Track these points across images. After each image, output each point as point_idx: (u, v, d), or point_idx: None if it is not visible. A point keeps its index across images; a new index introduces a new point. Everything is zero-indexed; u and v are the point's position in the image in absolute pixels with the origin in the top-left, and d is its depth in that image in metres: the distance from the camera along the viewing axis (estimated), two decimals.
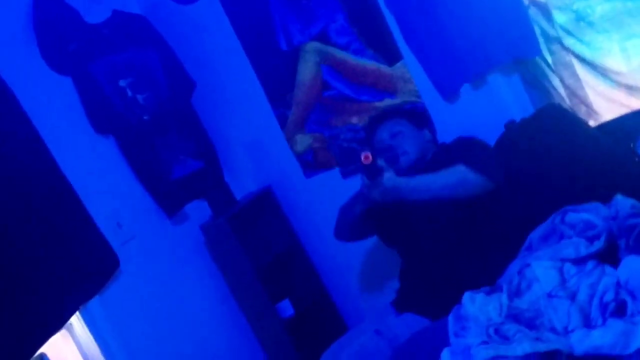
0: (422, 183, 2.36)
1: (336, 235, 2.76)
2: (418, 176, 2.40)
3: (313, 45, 3.14)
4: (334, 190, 3.25)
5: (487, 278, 2.11)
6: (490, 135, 2.67)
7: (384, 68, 3.02)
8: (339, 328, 3.38)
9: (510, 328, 1.61)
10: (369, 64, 3.04)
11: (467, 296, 1.85)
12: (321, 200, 3.40)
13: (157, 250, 3.14)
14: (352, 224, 2.63)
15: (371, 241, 2.89)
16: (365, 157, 2.26)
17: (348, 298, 3.51)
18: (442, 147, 2.74)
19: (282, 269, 3.45)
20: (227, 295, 3.36)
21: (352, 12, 3.02)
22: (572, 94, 2.75)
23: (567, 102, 2.78)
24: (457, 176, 2.35)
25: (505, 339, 1.58)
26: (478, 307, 1.78)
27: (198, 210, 3.38)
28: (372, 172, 2.31)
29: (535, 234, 2.16)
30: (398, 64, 2.99)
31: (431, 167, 2.50)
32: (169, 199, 3.26)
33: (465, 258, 2.42)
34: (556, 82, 2.78)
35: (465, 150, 2.53)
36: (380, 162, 2.41)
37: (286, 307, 3.29)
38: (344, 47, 3.07)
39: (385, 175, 2.31)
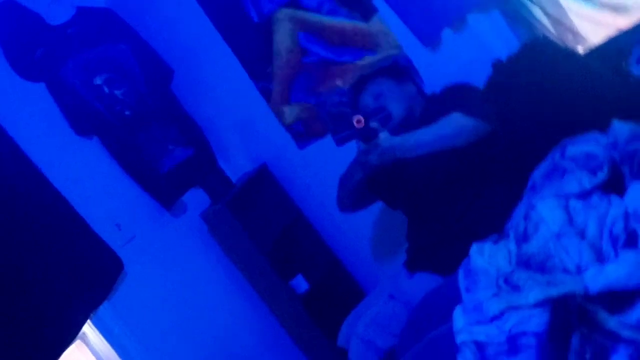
0: (419, 138, 2.36)
1: (340, 207, 2.75)
2: (414, 132, 2.39)
3: (285, 13, 3.11)
4: (329, 158, 3.27)
5: (495, 226, 2.08)
6: (479, 77, 2.63)
7: (361, 25, 2.99)
8: (357, 295, 3.37)
9: (521, 276, 1.57)
10: (345, 22, 3.01)
11: (474, 248, 1.79)
12: (318, 169, 3.40)
13: (161, 246, 3.15)
14: (353, 193, 2.63)
15: (377, 205, 2.89)
16: (358, 121, 2.28)
17: (361, 264, 3.52)
18: (431, 98, 2.71)
19: (290, 245, 3.45)
20: (239, 280, 3.36)
21: None
22: (556, 22, 2.69)
23: (552, 32, 2.73)
24: (453, 125, 2.34)
25: (516, 288, 1.54)
26: (487, 258, 1.73)
27: (196, 199, 3.38)
28: (367, 136, 2.31)
29: (537, 173, 2.10)
30: (374, 18, 2.96)
31: (424, 121, 2.48)
32: (165, 192, 3.27)
33: (470, 207, 2.41)
34: (538, 13, 2.73)
35: (456, 97, 2.51)
36: (373, 123, 2.40)
37: (300, 283, 3.30)
38: (317, 9, 3.04)
39: (380, 136, 2.30)
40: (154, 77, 3.41)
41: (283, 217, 3.47)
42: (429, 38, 2.86)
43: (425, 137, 2.35)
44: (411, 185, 2.53)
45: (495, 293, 1.55)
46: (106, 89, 3.21)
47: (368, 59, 3.01)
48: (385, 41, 2.97)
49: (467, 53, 2.85)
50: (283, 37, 3.15)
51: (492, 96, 2.54)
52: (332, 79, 3.15)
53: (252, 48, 3.26)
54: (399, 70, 2.82)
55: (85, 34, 3.24)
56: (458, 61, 2.87)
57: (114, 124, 3.19)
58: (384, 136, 2.31)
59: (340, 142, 3.25)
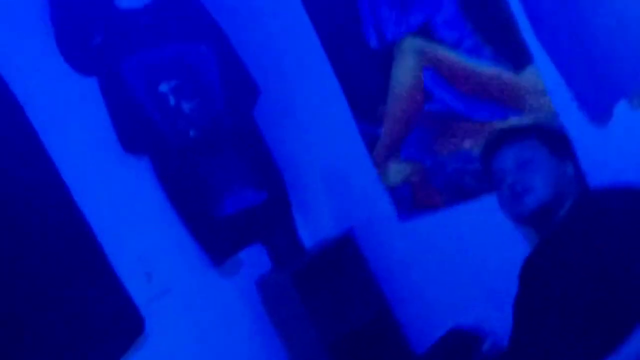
0: None
1: None
2: None
3: (412, 42, 3.01)
4: (438, 240, 3.20)
5: None
6: None
7: (508, 74, 2.83)
8: None
9: None
10: (488, 68, 2.87)
11: None
12: (420, 252, 3.32)
13: (198, 310, 3.12)
14: None
15: None
16: None
17: None
18: (592, 195, 2.51)
19: (363, 346, 3.36)
20: None
21: None
22: None
23: None
24: None
25: None
26: None
27: (254, 259, 3.36)
28: None
29: None
30: (527, 70, 2.79)
31: (571, 225, 2.34)
32: (218, 243, 3.23)
33: None
34: None
35: (623, 212, 2.29)
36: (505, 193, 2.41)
37: None
38: (454, 45, 2.91)
39: None
40: (235, 94, 3.38)
41: (362, 306, 3.39)
42: (598, 110, 2.69)
43: None
44: None
45: None
46: (172, 100, 3.18)
47: (512, 121, 2.87)
48: (537, 103, 2.79)
49: None
50: (405, 72, 3.07)
51: None
52: (459, 138, 3.05)
53: (363, 80, 3.21)
54: (561, 139, 2.66)
55: (162, 26, 3.23)
56: (631, 147, 2.67)
57: (172, 145, 3.15)
58: None
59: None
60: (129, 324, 2.79)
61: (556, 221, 2.42)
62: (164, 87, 3.17)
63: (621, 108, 2.66)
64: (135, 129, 3.06)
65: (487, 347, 2.89)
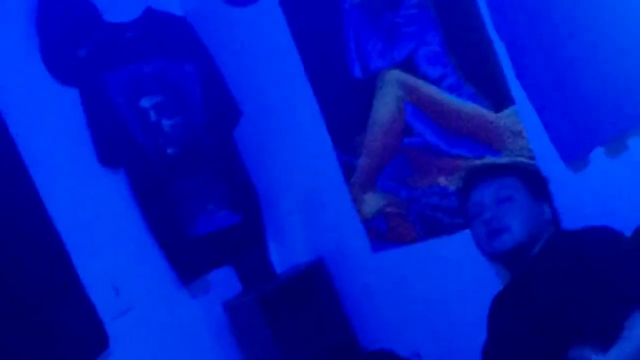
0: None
1: None
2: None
3: (395, 75, 3.00)
4: (410, 273, 3.18)
5: None
6: (628, 220, 2.45)
7: (488, 114, 2.84)
8: None
9: None
10: (468, 106, 2.87)
11: None
12: (391, 286, 3.29)
13: (163, 328, 3.08)
14: None
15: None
16: None
17: None
18: (564, 235, 2.53)
19: None
20: None
21: (450, 35, 2.82)
22: None
23: None
24: None
25: None
26: None
27: (223, 281, 3.32)
28: None
29: None
30: (507, 111, 2.80)
31: (541, 264, 2.37)
32: (188, 261, 3.20)
33: None
34: None
35: (598, 248, 2.31)
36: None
37: None
38: (436, 81, 2.92)
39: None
40: (217, 114, 3.37)
41: (328, 333, 3.36)
42: (574, 156, 2.70)
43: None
44: None
45: None
46: (153, 116, 3.15)
47: (488, 159, 2.88)
48: (515, 144, 2.80)
49: (620, 185, 2.67)
50: (386, 104, 3.06)
51: None
52: (436, 173, 3.06)
53: (344, 109, 3.20)
54: (540, 181, 2.66)
55: (148, 42, 3.22)
56: (606, 193, 2.69)
57: (150, 161, 3.12)
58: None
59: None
60: (93, 338, 2.76)
61: (528, 260, 2.45)
62: (145, 103, 3.15)
63: (598, 154, 2.69)
64: (114, 142, 3.05)
65: None
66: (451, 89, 2.91)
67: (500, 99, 2.84)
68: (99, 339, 2.75)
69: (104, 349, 2.75)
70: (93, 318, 2.75)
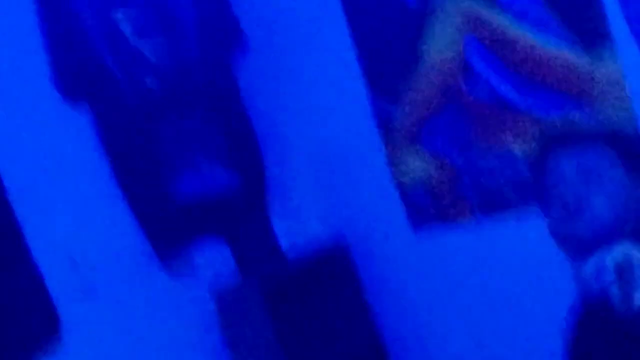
0: None
1: None
2: None
3: (459, 3, 2.83)
4: (460, 262, 3.05)
5: None
6: None
7: (578, 57, 2.65)
8: None
9: None
10: (552, 46, 2.70)
11: None
12: (435, 277, 3.13)
13: (133, 317, 2.86)
14: None
15: None
16: None
17: None
18: None
19: None
20: None
21: None
22: None
23: None
24: None
25: None
26: None
27: (213, 260, 3.12)
28: None
29: None
30: (604, 54, 2.62)
31: None
32: (168, 231, 3.01)
33: None
34: None
35: None
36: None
37: None
38: (517, 14, 2.71)
39: None
40: (213, 38, 3.14)
41: (349, 340, 3.16)
42: None
43: None
44: None
45: None
46: (128, 32, 2.92)
47: (574, 117, 2.71)
48: (613, 97, 2.63)
49: None
50: (442, 36, 2.87)
51: None
52: (501, 131, 2.87)
53: (384, 41, 3.00)
54: (636, 148, 2.40)
55: None
56: None
57: (123, 95, 2.90)
58: None
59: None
60: (43, 319, 2.56)
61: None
62: (118, 14, 2.89)
63: None
64: (78, 69, 2.79)
65: None
66: (534, 24, 2.72)
67: (595, 40, 2.65)
68: (50, 320, 2.57)
69: (55, 332, 2.56)
70: (42, 296, 2.57)
